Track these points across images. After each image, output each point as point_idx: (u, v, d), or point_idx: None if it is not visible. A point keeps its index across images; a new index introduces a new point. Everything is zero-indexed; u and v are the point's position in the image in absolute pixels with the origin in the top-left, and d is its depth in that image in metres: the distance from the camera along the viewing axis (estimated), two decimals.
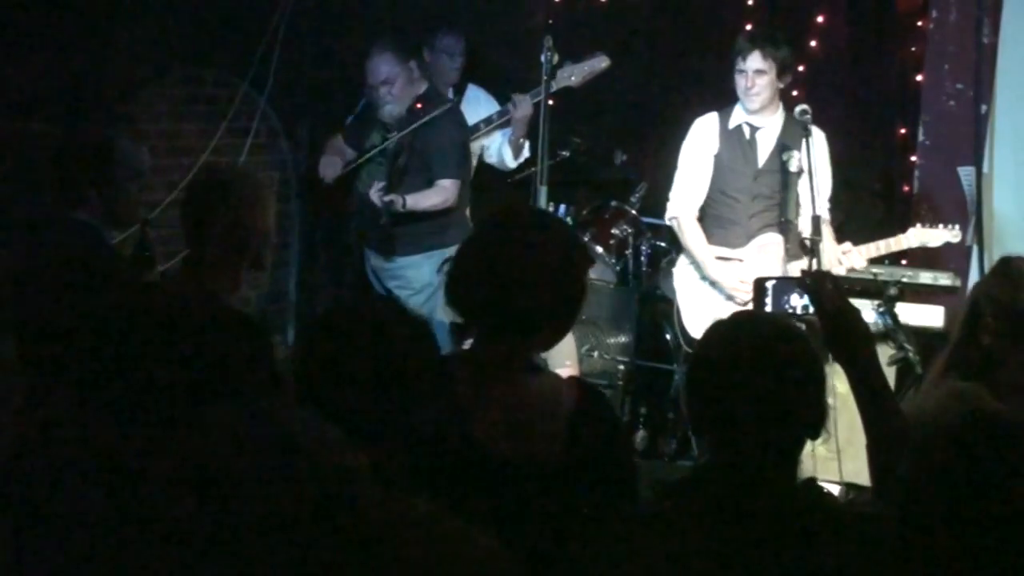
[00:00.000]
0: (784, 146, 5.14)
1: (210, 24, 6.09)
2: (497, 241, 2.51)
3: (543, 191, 5.30)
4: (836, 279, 2.53)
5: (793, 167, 5.04)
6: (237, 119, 6.32)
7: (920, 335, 5.54)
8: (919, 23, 6.34)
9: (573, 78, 5.97)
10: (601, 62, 5.95)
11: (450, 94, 6.25)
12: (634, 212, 6.50)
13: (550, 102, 5.48)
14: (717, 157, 5.28)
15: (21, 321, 2.51)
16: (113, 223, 3.97)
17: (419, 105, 5.63)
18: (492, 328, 2.47)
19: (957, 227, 5.21)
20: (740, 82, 5.13)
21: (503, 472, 2.39)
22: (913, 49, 6.43)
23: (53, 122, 5.30)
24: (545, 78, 5.35)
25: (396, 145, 5.60)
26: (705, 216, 5.35)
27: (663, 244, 6.44)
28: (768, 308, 2.58)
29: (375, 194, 5.51)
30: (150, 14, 5.86)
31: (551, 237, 2.51)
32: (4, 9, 5.34)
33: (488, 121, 6.14)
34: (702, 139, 5.31)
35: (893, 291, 5.37)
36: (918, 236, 5.13)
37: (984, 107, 5.88)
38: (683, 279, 5.43)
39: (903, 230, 5.40)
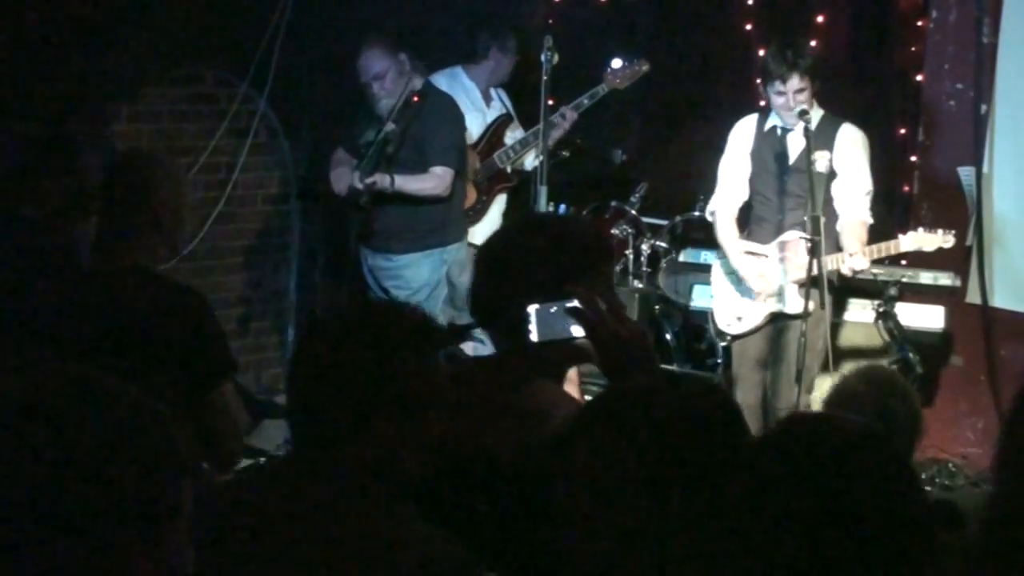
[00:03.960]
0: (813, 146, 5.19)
1: (210, 24, 6.09)
2: (496, 238, 2.52)
3: (543, 191, 5.30)
4: (612, 299, 2.24)
5: (820, 167, 5.07)
6: (237, 119, 6.32)
7: (920, 335, 5.55)
8: (919, 23, 6.33)
9: (619, 80, 6.19)
10: (643, 65, 6.23)
11: (493, 93, 6.34)
12: (634, 212, 6.50)
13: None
14: (752, 156, 5.38)
15: None
16: (60, 223, 3.85)
17: (416, 98, 5.62)
18: (494, 326, 2.45)
19: (952, 233, 5.21)
20: (779, 101, 5.18)
21: (504, 479, 2.34)
22: (913, 49, 6.43)
23: (53, 123, 5.30)
24: (545, 78, 5.36)
25: (387, 133, 5.57)
26: (748, 213, 5.46)
27: (663, 244, 6.44)
28: (534, 337, 2.27)
29: (355, 178, 5.50)
30: (150, 14, 5.86)
31: (546, 227, 2.47)
32: (4, 10, 5.34)
33: (525, 142, 6.21)
34: (740, 139, 5.43)
35: (893, 291, 5.38)
36: (914, 240, 5.15)
37: (984, 107, 5.88)
38: (717, 274, 5.53)
39: (903, 231, 5.40)
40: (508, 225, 2.59)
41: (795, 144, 5.25)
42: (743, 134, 5.43)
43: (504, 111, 6.37)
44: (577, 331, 2.23)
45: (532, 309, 2.27)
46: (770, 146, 5.34)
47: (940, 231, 5.14)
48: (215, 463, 3.28)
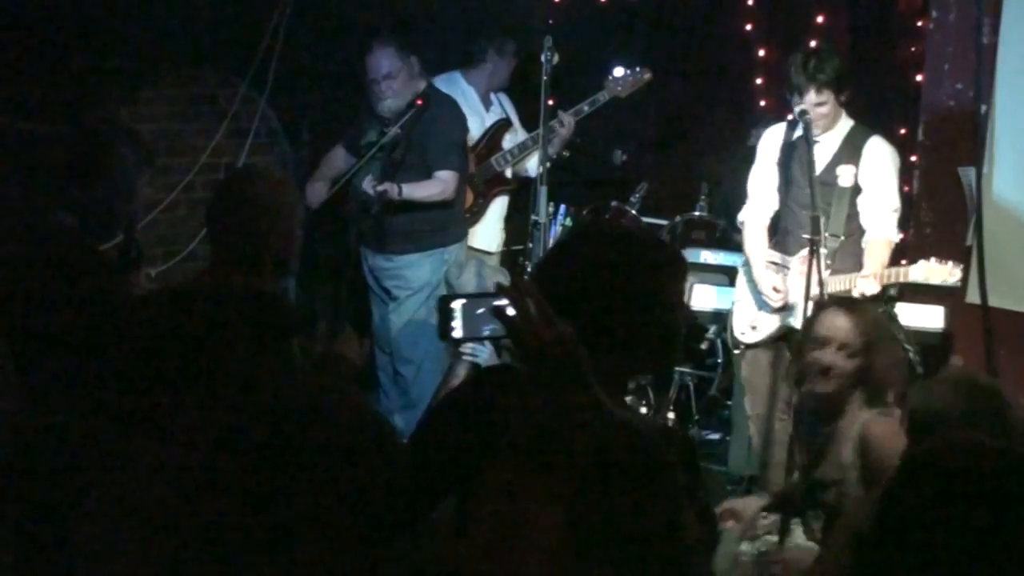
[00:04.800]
0: (839, 159, 5.14)
1: (210, 24, 6.09)
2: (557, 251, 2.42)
3: (543, 191, 5.31)
4: (541, 299, 2.05)
5: (843, 181, 5.02)
6: (237, 119, 6.32)
7: (920, 335, 5.54)
8: (919, 23, 6.34)
9: (620, 88, 6.17)
10: (645, 74, 6.21)
11: (494, 97, 6.34)
12: (634, 212, 6.50)
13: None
14: (779, 166, 5.31)
15: (9, 322, 2.49)
16: (89, 232, 3.57)
17: (419, 101, 5.63)
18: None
19: (960, 267, 5.15)
20: (798, 111, 5.10)
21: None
22: (913, 49, 6.43)
23: (53, 123, 5.30)
24: (545, 78, 5.36)
25: (393, 138, 5.60)
26: (776, 223, 5.40)
27: None
28: (458, 333, 2.20)
29: (368, 184, 5.51)
30: (150, 14, 5.86)
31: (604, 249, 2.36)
32: (4, 10, 5.34)
33: (524, 146, 6.20)
34: (768, 148, 5.37)
35: (893, 291, 5.37)
36: (924, 270, 5.06)
37: (984, 107, 5.88)
38: (740, 282, 5.50)
39: (903, 231, 5.38)
40: (568, 239, 2.47)
41: (821, 155, 5.15)
42: (771, 144, 5.37)
43: (503, 116, 6.37)
44: (501, 330, 2.12)
45: (458, 304, 2.20)
46: (795, 156, 5.25)
47: (950, 263, 5.06)
48: None
